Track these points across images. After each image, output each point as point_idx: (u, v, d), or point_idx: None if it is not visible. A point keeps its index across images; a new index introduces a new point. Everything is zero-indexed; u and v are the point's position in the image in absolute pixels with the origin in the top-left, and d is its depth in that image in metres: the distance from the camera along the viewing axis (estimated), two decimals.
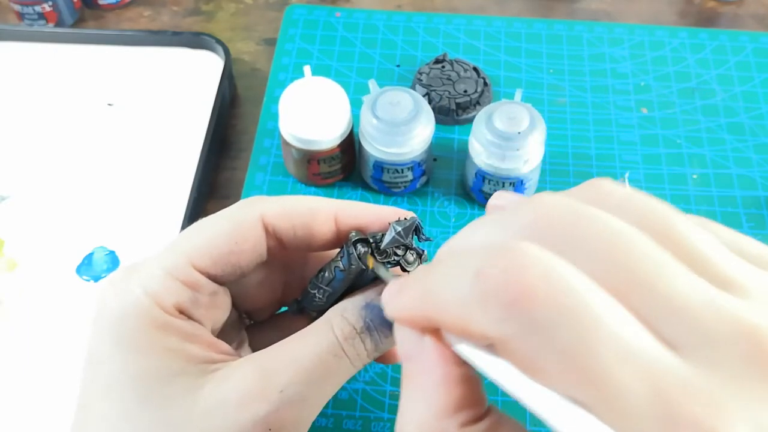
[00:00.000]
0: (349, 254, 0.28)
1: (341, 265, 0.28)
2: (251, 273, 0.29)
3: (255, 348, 0.32)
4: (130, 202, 0.49)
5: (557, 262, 0.16)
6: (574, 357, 0.15)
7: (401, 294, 0.20)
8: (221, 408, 0.24)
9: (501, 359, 0.17)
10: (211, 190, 0.51)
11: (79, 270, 0.46)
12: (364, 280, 0.29)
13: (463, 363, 0.19)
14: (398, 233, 0.27)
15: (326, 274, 0.29)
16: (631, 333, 0.15)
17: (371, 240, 0.28)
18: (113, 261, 0.46)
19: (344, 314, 0.27)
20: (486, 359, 0.18)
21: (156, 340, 0.25)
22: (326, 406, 0.40)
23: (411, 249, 0.28)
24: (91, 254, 0.46)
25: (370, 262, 0.27)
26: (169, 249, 0.27)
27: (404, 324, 0.20)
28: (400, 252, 0.27)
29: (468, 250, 0.19)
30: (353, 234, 0.28)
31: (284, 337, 0.32)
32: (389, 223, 0.27)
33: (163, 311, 0.25)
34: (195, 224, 0.28)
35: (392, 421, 0.40)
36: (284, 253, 0.29)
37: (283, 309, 0.34)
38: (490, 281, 0.16)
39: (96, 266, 0.46)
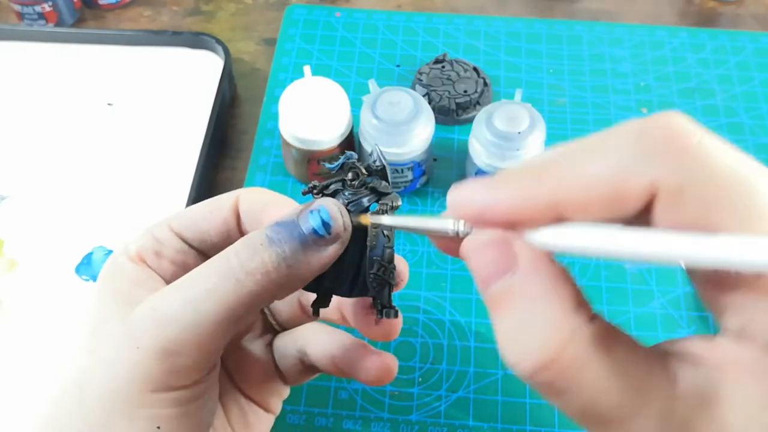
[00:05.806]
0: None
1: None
2: (220, 243, 0.29)
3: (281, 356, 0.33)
4: (129, 202, 0.49)
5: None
6: None
7: (499, 186, 0.19)
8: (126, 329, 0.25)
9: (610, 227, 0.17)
10: (210, 190, 0.51)
11: (79, 270, 0.46)
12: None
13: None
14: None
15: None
16: None
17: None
18: None
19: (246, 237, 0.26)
20: (596, 231, 0.17)
21: (111, 284, 0.27)
22: (326, 406, 0.41)
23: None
24: (90, 254, 0.46)
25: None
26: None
27: (495, 219, 0.19)
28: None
29: (594, 140, 0.19)
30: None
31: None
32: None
33: (127, 257, 0.28)
34: None
35: (392, 421, 0.40)
36: None
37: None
38: (657, 132, 0.17)
39: (95, 266, 0.46)
